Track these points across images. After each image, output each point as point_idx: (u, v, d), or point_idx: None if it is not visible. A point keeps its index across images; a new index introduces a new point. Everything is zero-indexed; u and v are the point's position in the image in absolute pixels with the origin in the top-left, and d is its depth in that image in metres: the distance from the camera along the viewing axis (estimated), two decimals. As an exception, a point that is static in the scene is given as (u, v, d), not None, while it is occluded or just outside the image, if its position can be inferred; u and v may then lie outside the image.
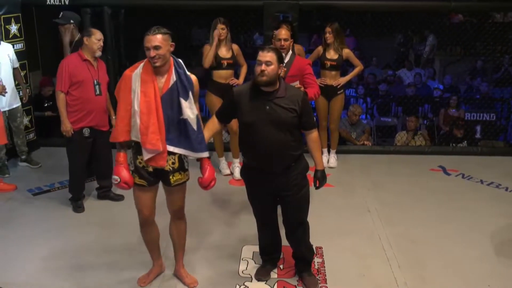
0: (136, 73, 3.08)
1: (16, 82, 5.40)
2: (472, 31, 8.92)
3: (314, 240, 3.76)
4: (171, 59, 3.10)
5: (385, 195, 5.02)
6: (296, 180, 3.28)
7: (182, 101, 3.07)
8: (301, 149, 3.29)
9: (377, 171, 5.65)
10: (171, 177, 3.20)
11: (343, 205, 4.78)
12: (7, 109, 5.17)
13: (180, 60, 3.16)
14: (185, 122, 3.09)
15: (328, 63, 5.46)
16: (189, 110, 3.09)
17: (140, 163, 3.18)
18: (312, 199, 4.84)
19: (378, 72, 9.65)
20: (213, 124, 3.40)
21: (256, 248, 3.77)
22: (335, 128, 5.68)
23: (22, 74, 5.53)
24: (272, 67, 3.09)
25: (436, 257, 3.91)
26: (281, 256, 3.74)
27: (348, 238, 4.17)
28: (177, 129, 3.12)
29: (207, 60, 5.04)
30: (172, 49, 3.06)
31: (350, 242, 4.11)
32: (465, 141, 6.60)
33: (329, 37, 5.38)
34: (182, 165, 3.23)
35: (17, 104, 5.37)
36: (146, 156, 3.12)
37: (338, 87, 5.47)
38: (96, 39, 4.37)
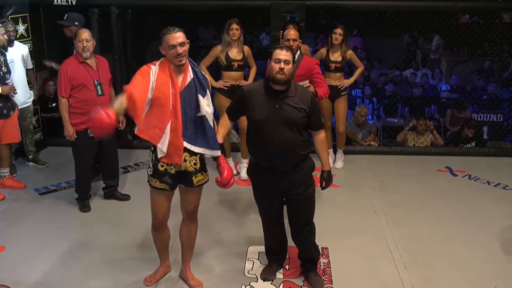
0: (153, 69, 3.05)
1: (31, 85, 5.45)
2: (480, 31, 8.86)
3: (320, 240, 3.76)
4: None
5: (392, 196, 5.00)
6: (303, 179, 3.29)
7: (200, 97, 3.09)
8: (308, 149, 3.30)
9: (384, 172, 5.64)
10: (193, 178, 3.21)
11: (349, 205, 4.77)
12: (19, 107, 5.21)
13: (190, 59, 3.16)
14: (202, 119, 3.11)
15: (333, 65, 5.45)
16: (207, 106, 3.12)
17: (162, 166, 3.16)
18: (318, 200, 4.83)
19: (384, 72, 9.62)
20: (225, 121, 3.42)
21: (262, 248, 3.77)
22: (343, 129, 5.66)
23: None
24: (290, 66, 3.14)
25: (442, 258, 3.89)
26: (287, 256, 3.74)
27: (354, 239, 4.16)
28: (194, 127, 3.12)
29: (207, 62, 5.09)
30: (188, 46, 3.07)
31: (357, 243, 4.10)
32: (473, 142, 6.56)
33: (338, 39, 5.37)
34: (203, 166, 3.25)
35: (28, 103, 5.40)
36: (160, 154, 3.11)
37: (342, 88, 5.46)
38: (78, 40, 4.31)
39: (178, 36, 3.00)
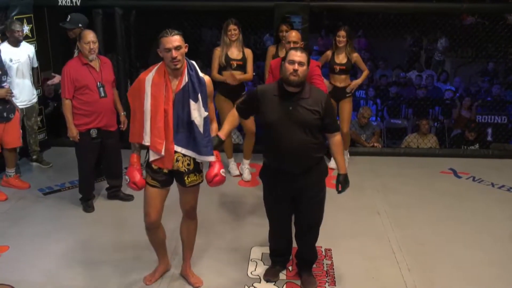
0: (149, 76, 3.11)
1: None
2: (484, 32, 8.84)
3: (323, 242, 3.76)
4: (185, 61, 3.11)
5: (395, 197, 4.99)
6: (315, 182, 3.27)
7: (191, 102, 3.08)
8: (322, 152, 3.26)
9: (387, 173, 5.63)
10: (186, 178, 3.22)
11: (352, 207, 4.77)
12: (24, 106, 5.22)
13: (193, 62, 3.17)
14: (193, 124, 3.11)
15: (337, 68, 5.44)
16: (197, 112, 3.10)
17: (156, 165, 3.19)
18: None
19: (388, 74, 9.61)
20: (233, 117, 3.37)
21: (265, 249, 3.78)
22: (346, 130, 5.66)
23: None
24: (304, 67, 3.11)
25: (445, 260, 3.88)
26: (290, 257, 3.74)
27: (357, 240, 4.15)
28: (187, 130, 3.13)
29: (215, 65, 5.07)
30: (186, 50, 3.08)
31: (360, 244, 4.09)
32: (477, 144, 6.55)
33: (342, 41, 5.37)
34: (197, 167, 3.25)
35: (33, 102, 5.40)
36: (152, 157, 3.15)
37: (348, 90, 5.46)
38: (84, 42, 4.30)
39: (174, 40, 2.98)
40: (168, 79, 3.08)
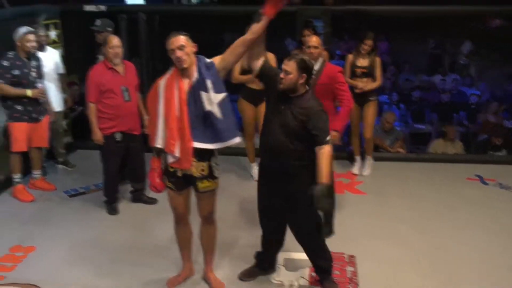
0: (162, 80, 3.17)
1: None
2: (510, 36, 8.69)
3: (347, 248, 3.72)
4: (195, 60, 3.13)
5: (420, 204, 4.92)
6: (300, 193, 3.19)
7: (203, 94, 3.08)
8: (305, 161, 3.19)
9: (411, 179, 5.55)
10: (199, 183, 3.24)
11: (376, 213, 4.72)
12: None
13: (200, 56, 3.16)
14: (209, 114, 3.10)
15: (359, 71, 5.41)
16: (210, 100, 3.08)
17: (171, 168, 3.23)
18: (345, 207, 4.81)
19: (412, 78, 9.52)
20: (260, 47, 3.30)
21: (287, 255, 3.76)
22: (370, 135, 5.60)
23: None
24: (290, 76, 3.14)
25: (471, 268, 3.81)
26: (271, 265, 3.69)
27: (381, 247, 4.10)
28: (203, 124, 3.12)
29: (235, 77, 4.99)
30: (195, 49, 3.12)
31: (383, 251, 4.04)
32: (504, 150, 6.42)
33: (367, 49, 5.35)
34: (211, 173, 3.25)
35: (60, 107, 5.50)
36: (170, 159, 3.18)
37: (367, 91, 5.39)
38: (109, 47, 4.38)
39: (177, 40, 3.05)
40: (180, 79, 3.11)
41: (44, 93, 4.89)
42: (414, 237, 4.27)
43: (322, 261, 3.50)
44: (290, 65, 3.14)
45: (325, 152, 3.09)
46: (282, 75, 3.15)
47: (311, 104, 3.18)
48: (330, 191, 3.14)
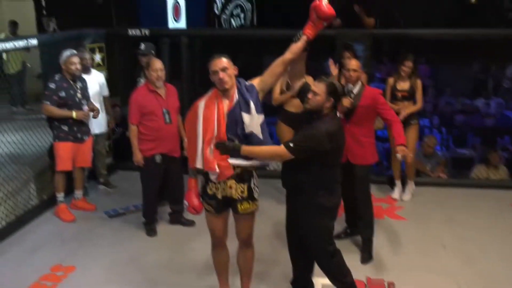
0: (202, 101, 3.21)
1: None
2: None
3: (387, 275, 3.63)
4: (235, 81, 3.18)
5: (462, 231, 4.77)
6: (304, 214, 3.24)
7: (245, 115, 3.12)
8: (309, 184, 3.19)
9: (453, 205, 5.40)
10: (239, 205, 3.24)
11: (417, 239, 4.60)
12: (97, 132, 5.47)
13: (240, 78, 3.22)
14: (251, 135, 3.13)
15: (399, 94, 5.36)
16: (253, 122, 3.12)
17: (210, 190, 3.24)
18: (385, 232, 4.71)
19: (452, 101, 9.33)
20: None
21: (325, 281, 3.69)
22: (411, 160, 5.47)
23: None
24: (317, 98, 3.15)
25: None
26: None
27: (422, 275, 3.98)
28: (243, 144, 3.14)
29: (276, 98, 5.05)
30: (236, 72, 3.16)
31: (425, 279, 3.92)
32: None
33: (407, 71, 5.30)
34: (251, 195, 3.25)
35: (104, 129, 5.66)
36: (212, 176, 3.18)
37: (408, 115, 5.30)
38: (152, 70, 4.47)
39: (220, 62, 3.10)
40: (220, 100, 3.14)
41: (88, 115, 5.03)
42: (457, 266, 4.13)
43: (338, 284, 3.45)
44: (319, 87, 3.15)
45: (275, 148, 3.15)
46: (310, 95, 3.17)
47: (318, 123, 3.15)
48: (224, 145, 3.11)
